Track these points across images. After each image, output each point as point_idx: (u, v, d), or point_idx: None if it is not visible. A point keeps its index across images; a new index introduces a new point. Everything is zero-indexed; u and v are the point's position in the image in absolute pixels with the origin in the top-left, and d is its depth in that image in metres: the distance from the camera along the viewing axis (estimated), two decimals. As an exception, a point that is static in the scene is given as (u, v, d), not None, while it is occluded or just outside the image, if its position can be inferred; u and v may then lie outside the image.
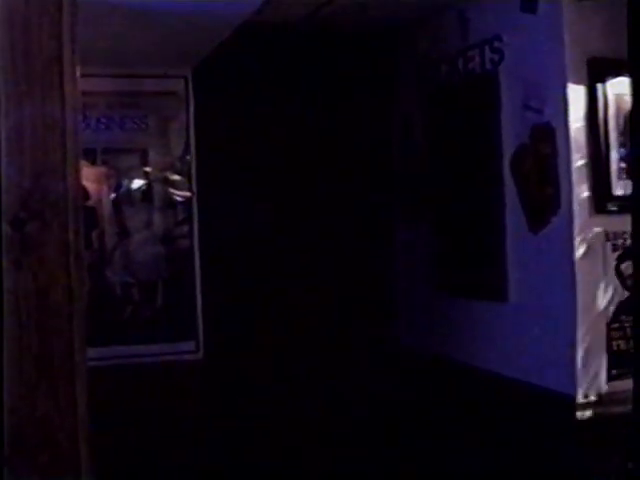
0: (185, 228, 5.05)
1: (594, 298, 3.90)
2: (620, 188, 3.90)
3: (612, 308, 3.92)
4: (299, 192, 5.36)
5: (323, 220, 5.39)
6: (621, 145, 3.91)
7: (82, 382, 1.57)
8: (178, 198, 5.02)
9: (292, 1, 4.44)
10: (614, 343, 3.92)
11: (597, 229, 3.91)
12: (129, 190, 4.98)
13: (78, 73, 1.59)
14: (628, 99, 3.82)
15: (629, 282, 3.89)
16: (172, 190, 5.02)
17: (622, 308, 3.92)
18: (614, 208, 3.90)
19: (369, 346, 5.45)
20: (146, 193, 5.00)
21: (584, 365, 3.87)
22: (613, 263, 3.93)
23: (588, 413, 3.86)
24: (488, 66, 4.47)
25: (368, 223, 5.53)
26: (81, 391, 1.57)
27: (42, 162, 1.56)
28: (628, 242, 3.89)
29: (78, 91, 1.60)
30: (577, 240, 3.88)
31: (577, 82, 3.89)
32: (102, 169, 4.89)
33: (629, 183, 3.79)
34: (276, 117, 5.28)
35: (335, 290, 5.42)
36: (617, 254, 3.93)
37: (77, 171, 1.60)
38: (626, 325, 3.92)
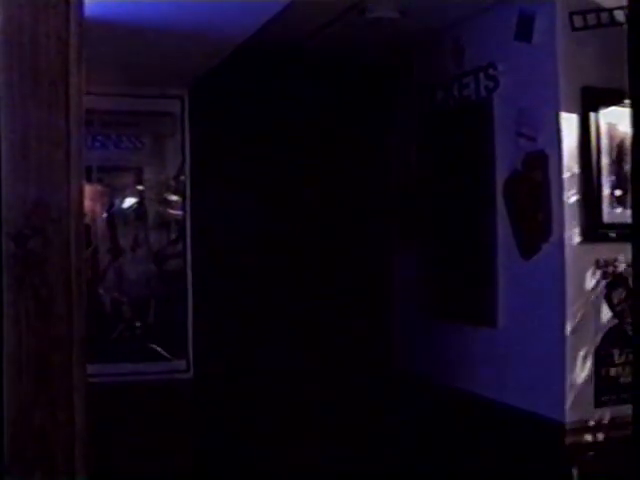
0: (178, 247, 5.06)
1: (583, 324, 3.91)
2: (611, 216, 3.92)
3: (601, 335, 3.94)
4: (295, 213, 5.37)
5: (319, 241, 5.40)
6: (613, 173, 3.94)
7: (80, 398, 1.57)
8: (172, 217, 5.04)
9: (290, 25, 4.46)
10: (603, 369, 3.94)
11: (588, 256, 3.93)
12: (123, 208, 5.00)
13: (84, 92, 1.61)
14: (620, 128, 3.87)
15: (619, 309, 3.92)
16: (167, 209, 5.04)
17: (611, 335, 3.94)
18: (605, 236, 3.93)
19: (364, 367, 5.45)
20: (140, 212, 5.01)
21: (573, 391, 3.88)
22: (603, 290, 3.95)
23: (576, 439, 3.86)
24: (482, 93, 4.50)
25: (366, 249, 5.55)
26: (79, 407, 1.57)
27: (46, 179, 1.57)
28: (618, 269, 3.92)
29: (83, 110, 1.62)
30: (568, 267, 3.90)
31: (570, 111, 3.92)
32: (97, 187, 4.91)
33: (620, 211, 3.83)
34: (272, 138, 5.30)
35: (330, 311, 5.42)
36: (607, 281, 3.95)
37: (80, 188, 1.61)
38: (614, 352, 3.94)
